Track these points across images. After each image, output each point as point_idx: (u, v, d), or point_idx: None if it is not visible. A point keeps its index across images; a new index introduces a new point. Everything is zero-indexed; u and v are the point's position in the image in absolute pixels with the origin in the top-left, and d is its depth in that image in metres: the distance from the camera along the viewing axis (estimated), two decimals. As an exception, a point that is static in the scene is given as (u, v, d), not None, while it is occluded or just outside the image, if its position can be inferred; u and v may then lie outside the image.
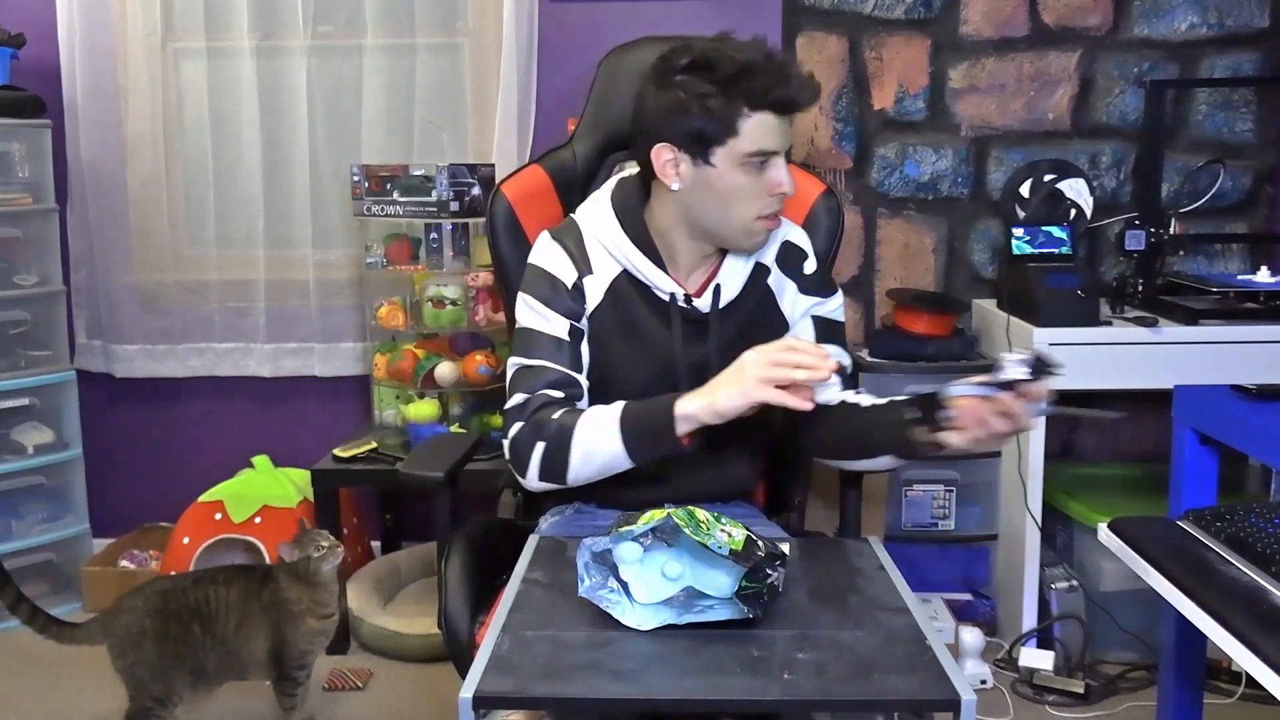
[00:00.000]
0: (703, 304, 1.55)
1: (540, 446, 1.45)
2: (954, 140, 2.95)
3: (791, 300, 1.62)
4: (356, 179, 2.78)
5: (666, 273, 1.54)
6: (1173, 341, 2.44)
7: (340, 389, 3.15)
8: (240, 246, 3.08)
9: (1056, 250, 2.67)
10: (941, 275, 3.00)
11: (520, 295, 1.57)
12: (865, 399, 1.59)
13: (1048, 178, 2.82)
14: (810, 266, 1.63)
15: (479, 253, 2.79)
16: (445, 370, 2.75)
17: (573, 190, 1.87)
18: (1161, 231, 2.61)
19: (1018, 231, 2.69)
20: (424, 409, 2.81)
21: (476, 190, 2.72)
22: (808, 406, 1.34)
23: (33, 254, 2.95)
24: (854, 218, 2.97)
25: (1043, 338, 2.44)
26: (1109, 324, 2.50)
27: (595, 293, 1.55)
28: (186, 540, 2.75)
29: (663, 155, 1.46)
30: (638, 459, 1.43)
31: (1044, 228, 2.69)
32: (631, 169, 1.62)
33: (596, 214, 1.58)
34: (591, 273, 1.55)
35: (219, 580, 2.19)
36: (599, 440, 1.42)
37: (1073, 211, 2.80)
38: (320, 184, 3.04)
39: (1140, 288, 2.63)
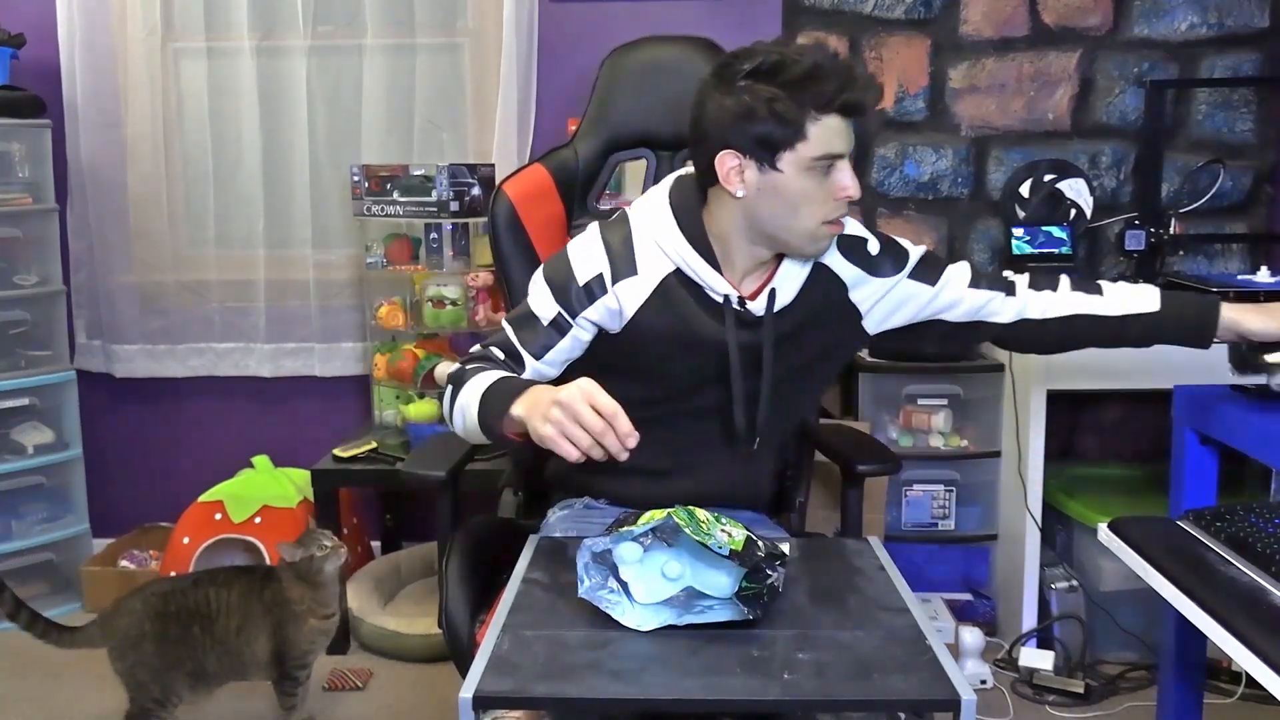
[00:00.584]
0: (757, 307, 1.51)
1: (449, 390, 1.49)
2: (954, 140, 2.95)
3: (873, 289, 1.57)
4: (356, 179, 2.78)
5: (722, 275, 1.50)
6: (1173, 341, 2.43)
7: (340, 389, 3.15)
8: (240, 246, 3.08)
9: (1056, 250, 2.67)
10: (941, 275, 3.00)
11: (540, 267, 1.57)
12: (1094, 302, 1.60)
13: (1048, 178, 2.82)
14: (875, 247, 1.59)
15: (479, 253, 2.79)
16: (445, 370, 2.75)
17: (574, 190, 1.87)
18: (1161, 231, 2.61)
19: (1018, 231, 2.69)
20: (424, 409, 2.81)
21: (476, 190, 2.72)
22: (575, 457, 1.27)
23: (33, 254, 2.95)
24: (854, 218, 2.96)
25: (1043, 338, 2.44)
26: (1109, 324, 2.50)
27: (639, 293, 1.50)
28: (186, 540, 2.75)
29: (727, 162, 1.42)
30: (488, 436, 1.42)
31: (1044, 228, 2.69)
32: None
33: (652, 212, 1.53)
34: (635, 273, 1.50)
35: (219, 581, 2.19)
36: (470, 404, 1.42)
37: (1073, 211, 2.80)
38: (320, 184, 3.04)
39: (1140, 288, 2.63)
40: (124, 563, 3.00)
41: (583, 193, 1.88)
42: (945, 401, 2.73)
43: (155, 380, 3.15)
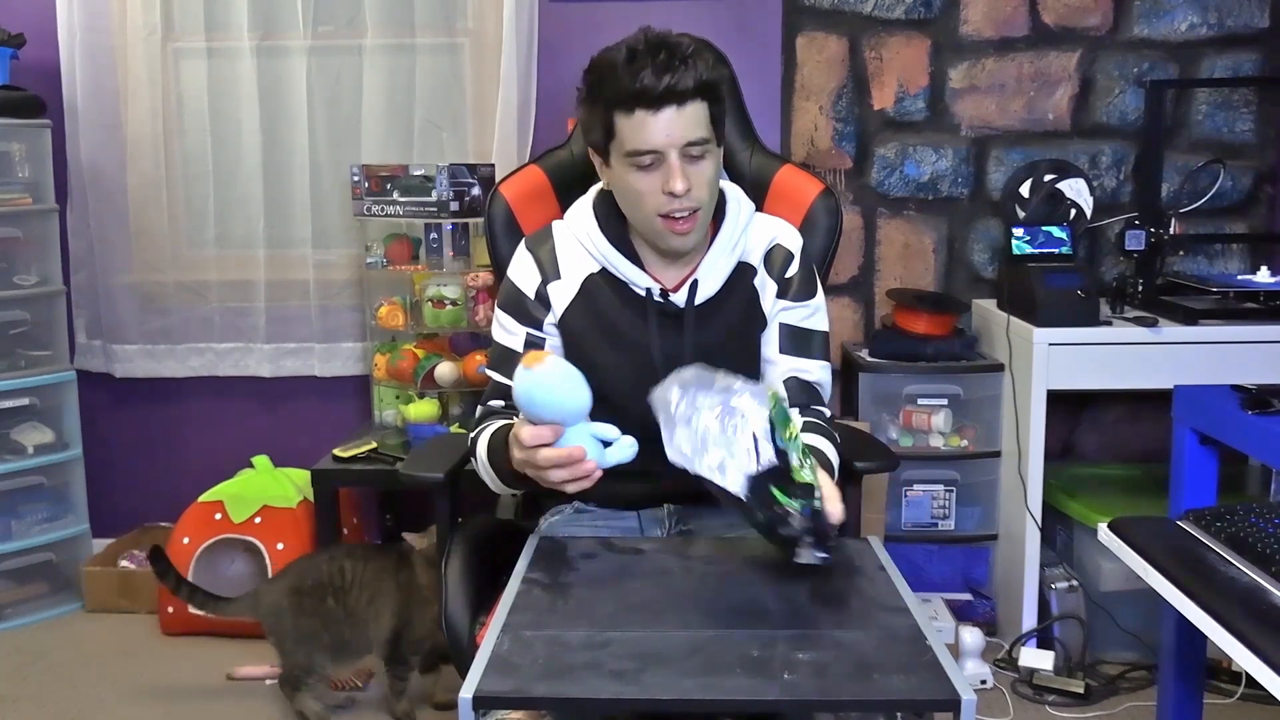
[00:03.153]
0: (678, 299, 1.56)
1: (472, 459, 1.57)
2: (954, 140, 2.95)
3: (770, 303, 1.61)
4: (356, 179, 2.78)
5: (644, 270, 1.56)
6: (1173, 341, 2.44)
7: (340, 389, 3.15)
8: (240, 246, 3.08)
9: (1056, 250, 2.67)
10: (941, 275, 3.00)
11: (495, 307, 1.64)
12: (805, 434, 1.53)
13: (1048, 178, 2.82)
14: (792, 270, 1.61)
15: (479, 253, 2.79)
16: (445, 370, 2.75)
17: (571, 190, 1.86)
18: (1161, 231, 2.61)
19: (1018, 231, 2.69)
20: (424, 409, 2.81)
21: (476, 190, 2.72)
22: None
23: (33, 254, 2.95)
24: (854, 218, 2.97)
25: (1043, 338, 2.44)
26: (1109, 324, 2.51)
27: (564, 296, 1.58)
28: (186, 540, 2.75)
29: (594, 161, 1.54)
30: (524, 487, 1.49)
31: (1044, 228, 2.69)
32: None
33: (578, 215, 1.61)
34: (559, 278, 1.58)
35: (355, 555, 2.34)
36: (488, 469, 1.51)
37: (1073, 211, 2.80)
38: (320, 184, 3.04)
39: (1140, 288, 2.63)
40: (124, 563, 3.00)
41: (580, 193, 1.87)
42: (945, 401, 2.73)
43: (155, 380, 3.15)
